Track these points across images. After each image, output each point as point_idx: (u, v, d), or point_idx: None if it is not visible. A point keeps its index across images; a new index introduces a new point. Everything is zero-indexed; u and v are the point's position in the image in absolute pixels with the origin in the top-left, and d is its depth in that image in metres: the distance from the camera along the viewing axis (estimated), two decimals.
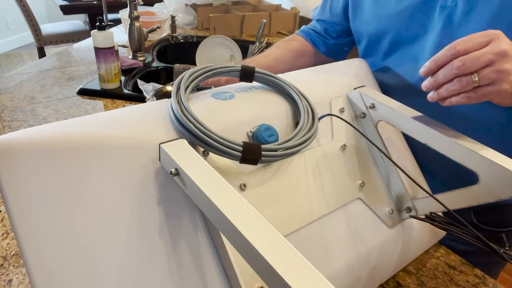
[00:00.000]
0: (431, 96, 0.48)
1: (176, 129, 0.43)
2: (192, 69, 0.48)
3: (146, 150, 0.40)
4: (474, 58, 0.44)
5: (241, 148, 0.42)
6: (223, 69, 0.50)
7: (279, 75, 0.54)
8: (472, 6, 0.57)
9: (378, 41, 0.71)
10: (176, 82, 0.46)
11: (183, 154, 0.38)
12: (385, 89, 0.67)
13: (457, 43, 0.44)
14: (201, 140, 0.41)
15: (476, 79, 0.44)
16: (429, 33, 0.62)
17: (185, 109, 0.42)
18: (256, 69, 0.51)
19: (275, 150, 0.44)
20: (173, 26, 1.63)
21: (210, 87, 0.53)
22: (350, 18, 0.77)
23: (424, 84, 0.48)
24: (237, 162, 0.43)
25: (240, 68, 0.51)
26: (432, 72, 0.47)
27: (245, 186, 0.45)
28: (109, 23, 1.18)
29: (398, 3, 0.65)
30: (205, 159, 0.41)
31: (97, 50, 1.07)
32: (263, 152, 0.42)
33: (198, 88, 0.51)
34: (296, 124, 0.52)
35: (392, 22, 0.67)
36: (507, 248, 0.46)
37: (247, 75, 0.51)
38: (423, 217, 0.55)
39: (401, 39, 0.67)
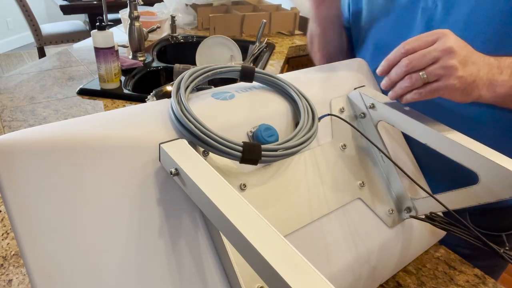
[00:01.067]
0: (390, 95, 0.51)
1: (176, 129, 0.43)
2: (192, 69, 0.48)
3: (146, 150, 0.40)
4: (420, 56, 0.46)
5: (241, 148, 0.42)
6: (223, 69, 0.50)
7: (279, 75, 0.54)
8: (450, 7, 0.58)
9: (366, 38, 0.71)
10: (176, 82, 0.46)
11: (183, 154, 0.38)
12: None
13: (406, 43, 0.47)
14: (201, 140, 0.41)
15: (425, 76, 0.46)
16: (413, 34, 0.63)
17: (185, 109, 0.42)
18: (256, 69, 0.52)
19: (275, 150, 0.44)
20: (173, 26, 1.64)
21: (211, 87, 0.53)
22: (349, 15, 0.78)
23: (382, 84, 0.51)
24: (237, 162, 0.43)
25: (240, 68, 0.51)
26: (386, 72, 0.50)
27: (245, 186, 0.45)
28: (109, 23, 1.18)
29: (387, 3, 0.66)
30: (205, 159, 0.41)
31: (97, 50, 1.07)
32: (263, 152, 0.42)
33: (198, 88, 0.51)
34: (296, 124, 0.52)
35: (380, 21, 0.67)
36: (507, 248, 0.46)
37: (247, 75, 0.51)
38: (423, 217, 0.55)
39: (386, 39, 0.67)
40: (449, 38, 0.46)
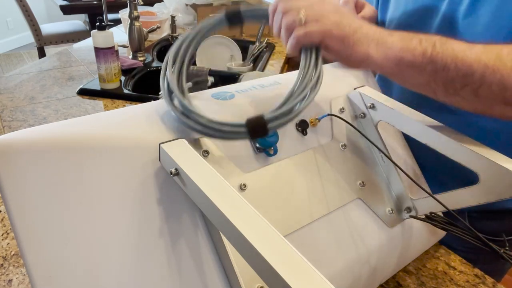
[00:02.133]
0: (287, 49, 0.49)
1: (177, 128, 0.43)
2: (174, 45, 0.47)
3: (146, 150, 0.40)
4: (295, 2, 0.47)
5: (244, 125, 0.41)
6: (208, 24, 0.49)
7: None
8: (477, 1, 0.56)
9: (390, 23, 0.71)
10: (166, 67, 0.45)
11: (183, 154, 0.38)
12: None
13: None
14: (206, 127, 0.40)
15: (302, 15, 0.45)
16: (436, 20, 0.61)
17: (186, 105, 0.42)
18: (242, 9, 0.50)
19: (278, 117, 0.42)
20: (173, 26, 1.63)
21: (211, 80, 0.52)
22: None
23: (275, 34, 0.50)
24: (237, 162, 0.43)
25: (223, 15, 0.49)
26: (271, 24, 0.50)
27: (245, 186, 0.45)
28: (109, 23, 1.18)
29: None
30: (205, 159, 0.41)
31: (97, 50, 1.07)
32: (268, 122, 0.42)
33: (195, 82, 0.51)
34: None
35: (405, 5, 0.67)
36: (507, 248, 0.46)
37: (234, 16, 0.50)
38: (423, 217, 0.55)
39: (409, 21, 0.66)
40: None
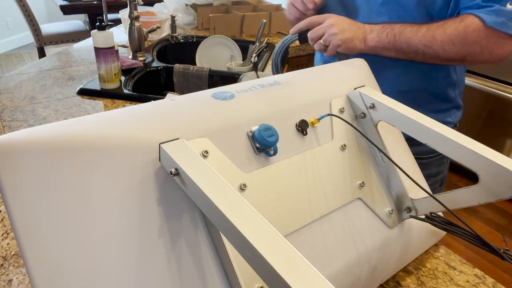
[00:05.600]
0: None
1: (177, 128, 0.43)
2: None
3: (146, 150, 0.40)
4: (316, 31, 0.79)
5: None
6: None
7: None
8: None
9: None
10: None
11: (183, 154, 0.38)
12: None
13: (308, 21, 0.81)
14: None
15: (322, 42, 0.78)
16: None
17: None
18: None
19: None
20: (173, 26, 1.64)
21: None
22: None
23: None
24: (237, 162, 0.43)
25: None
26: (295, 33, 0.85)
27: (245, 186, 0.45)
28: (109, 23, 1.18)
29: None
30: (205, 159, 0.41)
31: (97, 50, 1.07)
32: None
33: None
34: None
35: None
36: (507, 248, 0.46)
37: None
38: (423, 217, 0.55)
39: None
40: (331, 18, 0.77)
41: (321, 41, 0.77)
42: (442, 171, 0.97)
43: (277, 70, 0.90)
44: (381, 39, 0.77)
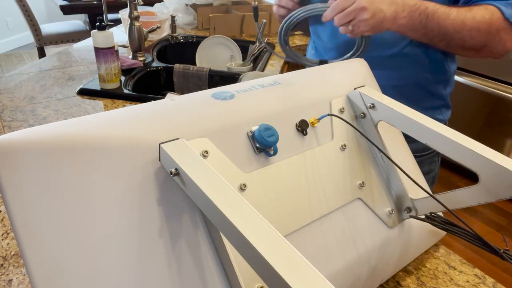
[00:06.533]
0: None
1: (177, 127, 0.43)
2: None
3: (146, 150, 0.40)
4: (345, 15, 0.69)
5: None
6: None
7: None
8: None
9: None
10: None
11: (183, 154, 0.38)
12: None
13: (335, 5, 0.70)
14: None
15: (350, 28, 0.70)
16: None
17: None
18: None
19: None
20: (173, 26, 1.64)
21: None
22: None
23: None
24: (237, 162, 0.43)
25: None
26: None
27: (245, 186, 0.45)
28: (109, 23, 1.18)
29: None
30: (205, 159, 0.41)
31: (97, 50, 1.07)
32: None
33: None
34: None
35: None
36: (507, 248, 0.46)
37: None
38: (423, 217, 0.55)
39: None
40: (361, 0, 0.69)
41: (350, 27, 0.70)
42: (434, 169, 0.98)
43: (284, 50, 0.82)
44: (413, 19, 0.71)
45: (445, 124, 0.93)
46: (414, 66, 0.85)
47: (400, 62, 0.84)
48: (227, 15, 1.75)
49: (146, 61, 1.33)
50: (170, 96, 1.01)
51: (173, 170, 0.37)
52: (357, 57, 0.73)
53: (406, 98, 0.82)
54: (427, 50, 0.82)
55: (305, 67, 0.83)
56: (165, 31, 1.65)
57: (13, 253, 0.59)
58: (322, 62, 0.76)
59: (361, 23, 0.69)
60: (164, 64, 1.35)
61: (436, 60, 0.85)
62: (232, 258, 0.40)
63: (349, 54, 0.76)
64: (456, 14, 0.71)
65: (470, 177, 2.27)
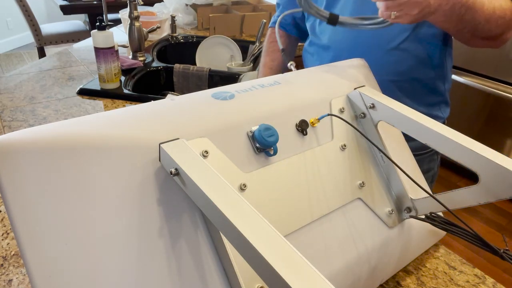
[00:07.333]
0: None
1: (177, 127, 0.43)
2: None
3: (146, 150, 0.40)
4: (395, 5, 0.63)
5: None
6: None
7: None
8: None
9: None
10: None
11: (183, 154, 0.38)
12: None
13: None
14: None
15: (393, 17, 0.64)
16: None
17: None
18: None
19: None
20: (173, 26, 1.64)
21: None
22: None
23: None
24: (237, 162, 0.43)
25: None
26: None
27: (245, 186, 0.45)
28: (109, 23, 1.18)
29: None
30: (205, 159, 0.41)
31: (97, 50, 1.07)
32: None
33: None
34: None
35: None
36: (507, 248, 0.46)
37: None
38: (423, 217, 0.55)
39: None
40: None
41: (392, 16, 0.64)
42: (433, 168, 0.97)
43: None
44: (452, 12, 0.66)
45: (444, 122, 0.94)
46: (413, 60, 0.84)
47: (398, 56, 0.83)
48: (227, 15, 1.75)
49: (146, 61, 1.33)
50: (170, 96, 1.01)
51: (173, 170, 0.37)
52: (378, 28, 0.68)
53: (405, 93, 0.82)
54: (425, 44, 0.82)
55: (304, 67, 0.82)
56: (165, 31, 1.65)
57: (13, 253, 0.59)
58: (332, 15, 0.70)
59: (407, 16, 0.64)
60: (164, 64, 1.35)
61: (434, 55, 0.84)
62: (232, 258, 0.40)
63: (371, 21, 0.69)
64: (488, 3, 0.68)
65: (470, 177, 2.27)
